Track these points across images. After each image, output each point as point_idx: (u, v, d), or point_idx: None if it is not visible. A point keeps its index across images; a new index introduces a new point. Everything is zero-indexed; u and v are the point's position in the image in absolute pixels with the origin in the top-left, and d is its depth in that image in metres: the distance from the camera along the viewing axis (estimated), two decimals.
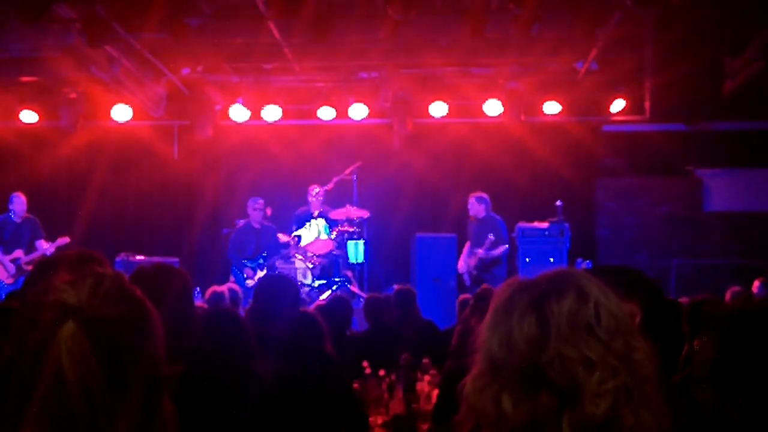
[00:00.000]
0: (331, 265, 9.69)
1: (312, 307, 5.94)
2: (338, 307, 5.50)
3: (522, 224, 9.36)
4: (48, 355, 1.23)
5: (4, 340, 1.94)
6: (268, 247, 9.48)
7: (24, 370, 1.25)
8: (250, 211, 9.55)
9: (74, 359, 1.23)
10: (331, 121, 10.41)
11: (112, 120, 10.40)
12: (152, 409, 1.31)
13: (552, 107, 10.13)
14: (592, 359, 1.23)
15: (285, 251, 9.44)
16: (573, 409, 1.23)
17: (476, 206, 9.29)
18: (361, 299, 9.22)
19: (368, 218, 9.82)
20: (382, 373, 4.34)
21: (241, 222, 9.69)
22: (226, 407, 2.64)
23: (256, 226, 9.54)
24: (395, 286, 6.77)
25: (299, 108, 10.71)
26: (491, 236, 9.02)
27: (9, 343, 1.30)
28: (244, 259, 9.41)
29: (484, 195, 9.30)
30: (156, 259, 9.14)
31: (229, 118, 10.48)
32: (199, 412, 2.60)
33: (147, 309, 1.35)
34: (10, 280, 8.82)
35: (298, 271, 9.38)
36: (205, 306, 5.59)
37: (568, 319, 1.26)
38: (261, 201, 9.54)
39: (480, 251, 9.06)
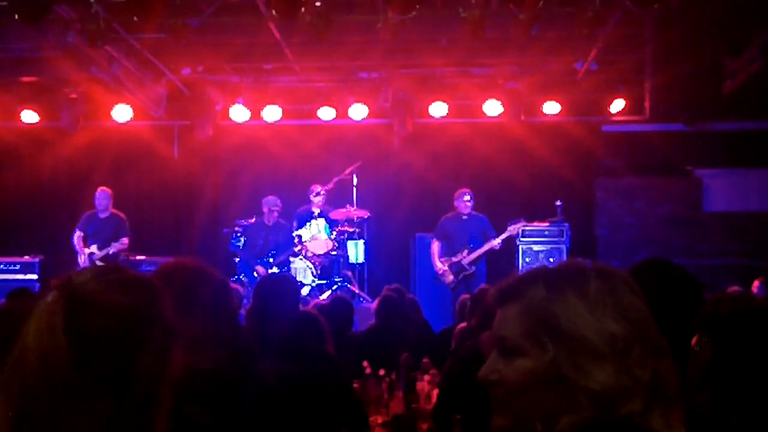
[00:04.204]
0: (331, 265, 9.69)
1: (311, 305, 5.95)
2: (339, 307, 5.51)
3: (522, 224, 9.36)
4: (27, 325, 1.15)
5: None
6: (279, 244, 9.48)
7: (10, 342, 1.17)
8: (263, 206, 9.59)
9: (39, 329, 1.14)
10: (331, 121, 10.40)
11: (112, 120, 10.41)
12: (130, 418, 1.19)
13: (552, 107, 10.13)
14: (607, 331, 1.23)
15: (296, 249, 9.37)
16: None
17: (471, 203, 9.23)
18: (362, 299, 9.23)
19: (368, 218, 9.82)
20: (382, 372, 4.34)
21: (252, 219, 9.71)
22: (225, 407, 2.64)
23: (267, 222, 9.55)
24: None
25: (299, 108, 10.71)
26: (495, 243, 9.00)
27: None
28: (254, 257, 9.42)
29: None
30: (156, 259, 9.15)
31: (229, 118, 10.48)
32: (199, 413, 2.60)
33: (153, 313, 1.23)
34: None
35: (298, 271, 9.38)
36: None
37: (583, 290, 1.26)
38: (278, 204, 9.59)
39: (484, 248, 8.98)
